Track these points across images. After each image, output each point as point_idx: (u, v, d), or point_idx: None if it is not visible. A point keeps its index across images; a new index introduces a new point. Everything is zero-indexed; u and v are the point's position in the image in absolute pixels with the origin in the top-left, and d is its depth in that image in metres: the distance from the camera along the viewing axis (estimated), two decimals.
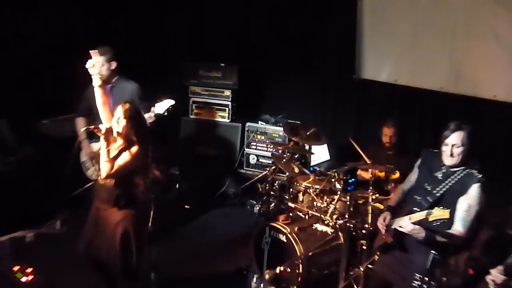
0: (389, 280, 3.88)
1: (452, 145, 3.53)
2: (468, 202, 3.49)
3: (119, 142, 3.99)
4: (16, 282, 4.54)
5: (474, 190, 3.49)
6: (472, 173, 3.54)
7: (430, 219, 3.33)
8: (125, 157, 3.92)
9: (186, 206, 6.47)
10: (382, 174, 5.30)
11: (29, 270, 4.69)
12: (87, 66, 4.19)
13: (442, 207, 3.32)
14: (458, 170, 3.60)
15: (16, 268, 4.70)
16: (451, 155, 3.56)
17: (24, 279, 4.57)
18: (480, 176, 3.51)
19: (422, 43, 5.88)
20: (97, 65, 4.29)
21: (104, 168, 3.88)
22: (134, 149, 3.93)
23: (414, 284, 3.57)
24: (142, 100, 5.04)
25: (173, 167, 6.56)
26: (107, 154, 3.87)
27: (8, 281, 4.57)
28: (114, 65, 5.08)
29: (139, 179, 4.04)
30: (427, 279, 3.55)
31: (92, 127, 3.89)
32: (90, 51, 4.28)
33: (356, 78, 6.47)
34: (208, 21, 7.44)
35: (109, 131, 3.89)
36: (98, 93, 4.19)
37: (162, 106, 4.74)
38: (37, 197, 5.56)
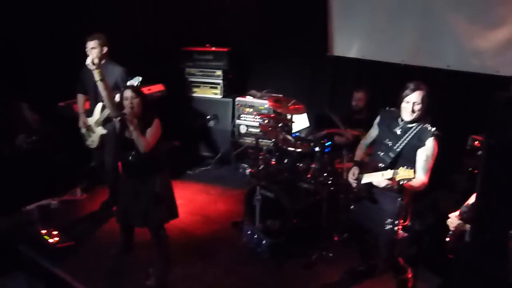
0: (364, 226, 3.84)
1: (413, 103, 3.45)
2: (426, 153, 3.41)
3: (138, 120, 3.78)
4: (44, 243, 4.48)
5: (430, 142, 3.41)
6: (426, 127, 3.46)
7: (397, 178, 3.23)
8: (151, 131, 3.78)
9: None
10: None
11: (55, 232, 4.64)
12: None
13: (406, 166, 3.23)
14: (414, 126, 3.51)
15: (44, 231, 4.64)
16: (412, 111, 3.46)
17: (51, 240, 4.52)
18: (434, 129, 3.44)
19: (384, 23, 5.76)
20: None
21: (141, 146, 3.70)
22: (155, 122, 3.81)
23: (386, 228, 3.54)
24: (125, 82, 4.68)
25: (175, 139, 6.45)
26: (139, 135, 3.69)
27: (38, 243, 4.51)
28: (105, 49, 4.82)
29: (160, 148, 3.95)
30: (397, 222, 3.52)
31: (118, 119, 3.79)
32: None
33: (329, 55, 6.37)
34: (200, 12, 7.23)
35: (131, 114, 3.68)
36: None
37: (132, 82, 4.51)
38: (59, 169, 5.48)
